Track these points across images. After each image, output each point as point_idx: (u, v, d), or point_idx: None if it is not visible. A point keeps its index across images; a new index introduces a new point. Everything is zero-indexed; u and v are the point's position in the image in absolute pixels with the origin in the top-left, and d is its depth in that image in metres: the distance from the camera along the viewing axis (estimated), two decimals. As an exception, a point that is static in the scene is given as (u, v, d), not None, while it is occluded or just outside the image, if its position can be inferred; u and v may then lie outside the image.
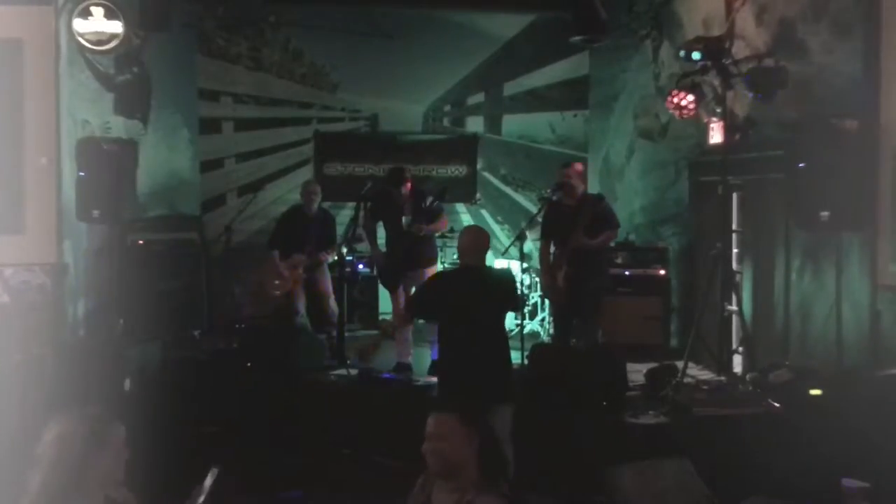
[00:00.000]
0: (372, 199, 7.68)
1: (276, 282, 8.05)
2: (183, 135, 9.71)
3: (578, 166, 7.27)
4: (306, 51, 10.24)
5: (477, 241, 5.50)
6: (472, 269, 5.44)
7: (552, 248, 7.23)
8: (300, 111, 10.36)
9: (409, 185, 7.44)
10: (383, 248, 7.75)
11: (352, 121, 10.44)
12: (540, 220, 7.46)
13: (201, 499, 2.96)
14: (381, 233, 7.75)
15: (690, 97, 7.21)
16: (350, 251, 8.20)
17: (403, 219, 7.41)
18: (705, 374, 7.15)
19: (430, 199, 7.32)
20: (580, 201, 7.01)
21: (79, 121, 7.71)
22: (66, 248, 7.43)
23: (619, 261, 8.49)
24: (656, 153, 9.24)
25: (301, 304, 8.13)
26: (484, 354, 5.21)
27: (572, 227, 6.86)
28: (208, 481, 3.02)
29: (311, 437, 6.22)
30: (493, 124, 10.62)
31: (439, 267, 7.84)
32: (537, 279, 8.75)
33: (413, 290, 6.99)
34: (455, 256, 7.22)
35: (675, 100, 7.28)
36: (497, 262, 9.37)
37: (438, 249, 7.99)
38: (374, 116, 10.41)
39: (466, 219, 10.25)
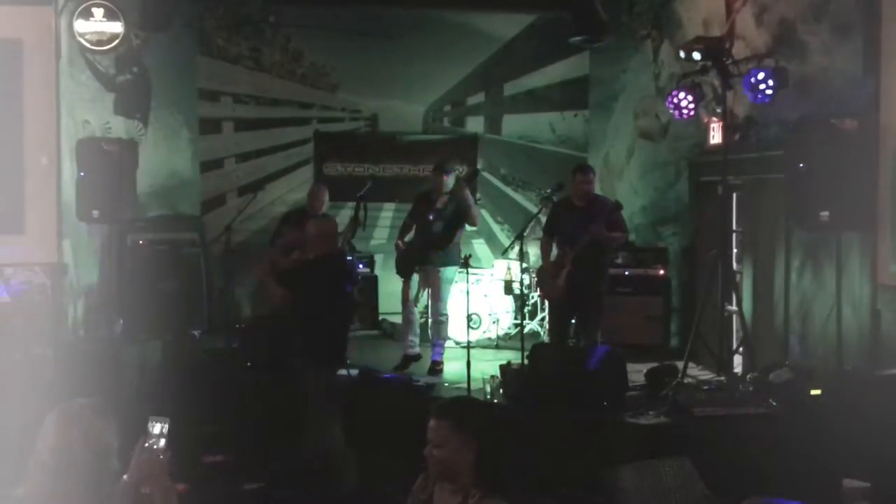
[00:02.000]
0: (415, 199, 7.90)
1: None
2: (183, 135, 9.70)
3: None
4: (306, 51, 10.22)
5: (329, 230, 6.14)
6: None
7: (554, 249, 7.25)
8: (300, 111, 10.34)
9: (446, 176, 7.54)
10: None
11: (352, 121, 10.43)
12: (543, 218, 7.48)
13: (151, 443, 2.72)
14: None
15: (690, 97, 7.22)
16: (351, 251, 8.19)
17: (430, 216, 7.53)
18: (705, 374, 7.16)
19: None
20: (591, 202, 7.13)
21: (79, 121, 7.71)
22: (66, 248, 7.43)
23: (619, 261, 8.50)
24: (656, 153, 9.24)
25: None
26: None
27: (590, 221, 6.94)
28: (156, 429, 2.76)
29: (311, 436, 6.21)
30: (493, 124, 10.61)
31: (455, 270, 7.74)
32: (536, 279, 8.73)
33: (425, 283, 7.66)
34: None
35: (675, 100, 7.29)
36: (497, 263, 9.36)
37: (460, 255, 7.35)
38: (374, 116, 10.39)
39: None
